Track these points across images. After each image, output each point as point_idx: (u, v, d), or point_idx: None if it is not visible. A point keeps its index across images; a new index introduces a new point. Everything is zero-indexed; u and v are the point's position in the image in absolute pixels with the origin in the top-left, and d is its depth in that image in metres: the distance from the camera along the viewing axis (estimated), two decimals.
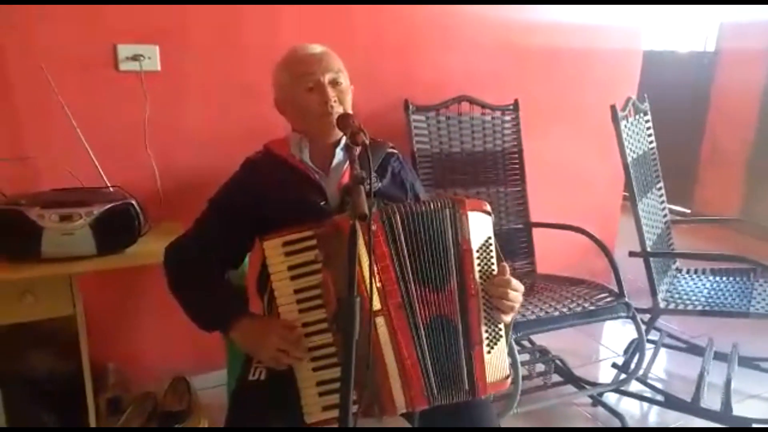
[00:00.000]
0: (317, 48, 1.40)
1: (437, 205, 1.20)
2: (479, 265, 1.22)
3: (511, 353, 1.76)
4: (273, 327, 1.20)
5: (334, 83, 1.36)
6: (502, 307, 1.22)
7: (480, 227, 1.23)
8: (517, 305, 1.24)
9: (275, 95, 1.44)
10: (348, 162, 1.33)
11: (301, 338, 1.18)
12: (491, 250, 1.24)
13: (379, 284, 1.15)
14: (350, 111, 1.36)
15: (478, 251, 1.22)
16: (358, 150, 1.16)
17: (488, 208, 1.26)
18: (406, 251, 1.17)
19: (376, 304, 1.15)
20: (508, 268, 1.25)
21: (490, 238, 1.24)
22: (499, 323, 1.25)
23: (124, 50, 1.88)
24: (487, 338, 1.23)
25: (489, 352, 1.23)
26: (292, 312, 1.19)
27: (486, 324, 1.23)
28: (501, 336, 1.26)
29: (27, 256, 1.57)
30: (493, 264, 1.24)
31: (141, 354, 2.12)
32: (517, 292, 1.24)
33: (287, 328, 1.19)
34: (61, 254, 1.59)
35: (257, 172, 1.41)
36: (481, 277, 1.22)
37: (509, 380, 1.28)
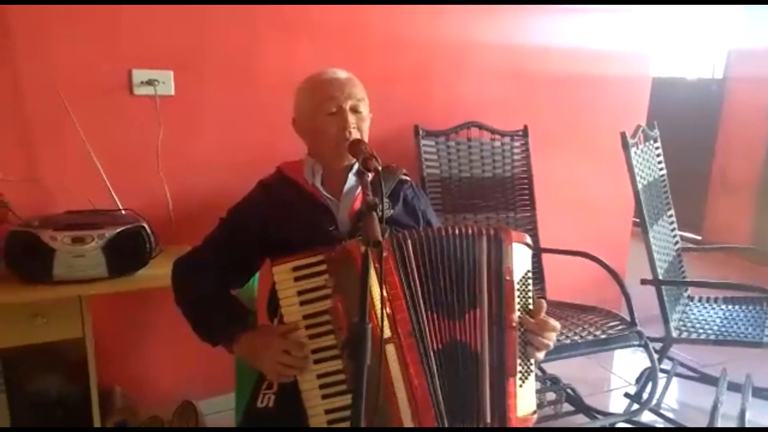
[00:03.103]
0: (343, 73, 1.41)
1: (467, 232, 1.19)
2: (518, 297, 1.19)
3: None
4: (273, 337, 1.19)
5: (355, 110, 1.37)
6: (538, 344, 1.20)
7: (522, 259, 1.21)
8: (551, 344, 1.22)
9: (294, 115, 1.45)
10: (360, 187, 1.34)
11: (300, 342, 1.16)
12: (529, 284, 1.22)
13: (389, 311, 1.14)
14: (366, 139, 1.37)
15: (518, 283, 1.19)
16: (370, 176, 1.16)
17: (529, 240, 1.24)
18: (417, 278, 1.16)
19: (387, 332, 1.14)
20: (544, 305, 1.22)
21: (528, 271, 1.22)
22: (532, 358, 1.22)
23: (139, 75, 1.90)
24: (520, 371, 1.20)
25: (521, 386, 1.20)
26: (302, 338, 1.18)
27: (521, 357, 1.20)
28: (532, 371, 1.23)
29: (39, 278, 1.58)
30: (530, 297, 1.22)
31: (149, 378, 2.11)
32: (554, 332, 1.22)
33: (284, 336, 1.17)
34: (73, 276, 1.60)
35: (269, 194, 1.42)
36: (519, 310, 1.20)
37: (536, 416, 1.24)
